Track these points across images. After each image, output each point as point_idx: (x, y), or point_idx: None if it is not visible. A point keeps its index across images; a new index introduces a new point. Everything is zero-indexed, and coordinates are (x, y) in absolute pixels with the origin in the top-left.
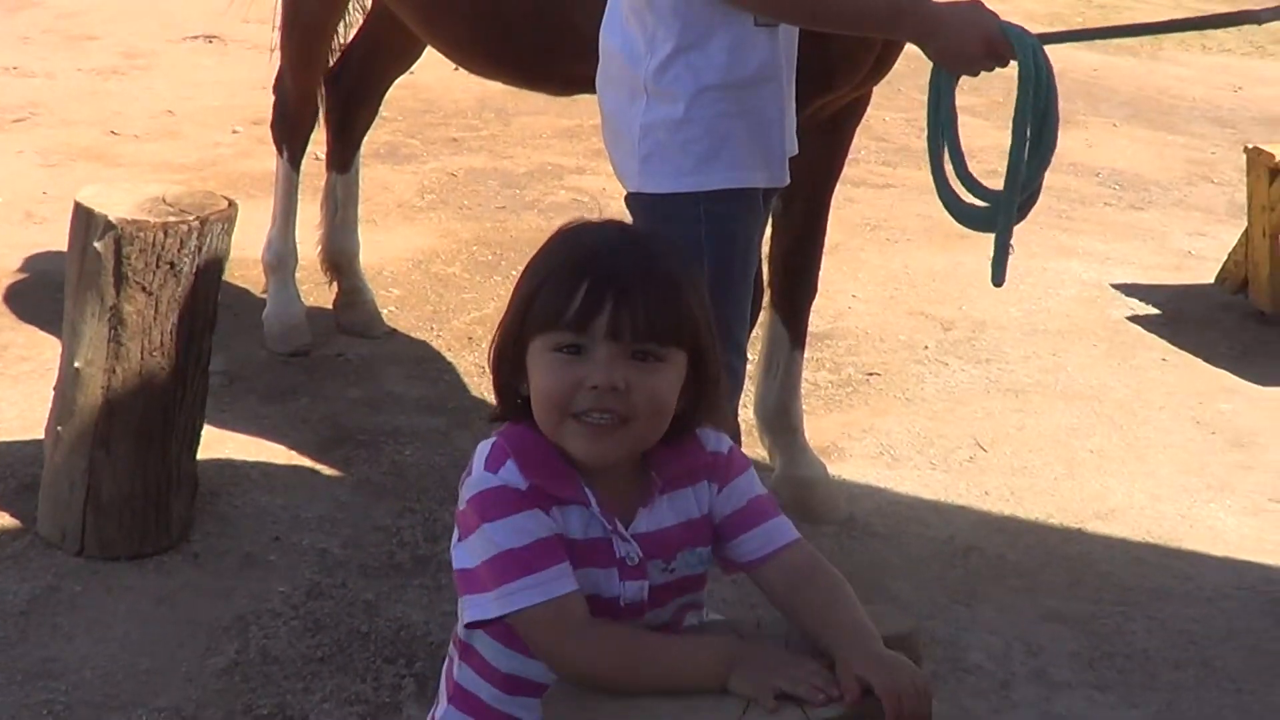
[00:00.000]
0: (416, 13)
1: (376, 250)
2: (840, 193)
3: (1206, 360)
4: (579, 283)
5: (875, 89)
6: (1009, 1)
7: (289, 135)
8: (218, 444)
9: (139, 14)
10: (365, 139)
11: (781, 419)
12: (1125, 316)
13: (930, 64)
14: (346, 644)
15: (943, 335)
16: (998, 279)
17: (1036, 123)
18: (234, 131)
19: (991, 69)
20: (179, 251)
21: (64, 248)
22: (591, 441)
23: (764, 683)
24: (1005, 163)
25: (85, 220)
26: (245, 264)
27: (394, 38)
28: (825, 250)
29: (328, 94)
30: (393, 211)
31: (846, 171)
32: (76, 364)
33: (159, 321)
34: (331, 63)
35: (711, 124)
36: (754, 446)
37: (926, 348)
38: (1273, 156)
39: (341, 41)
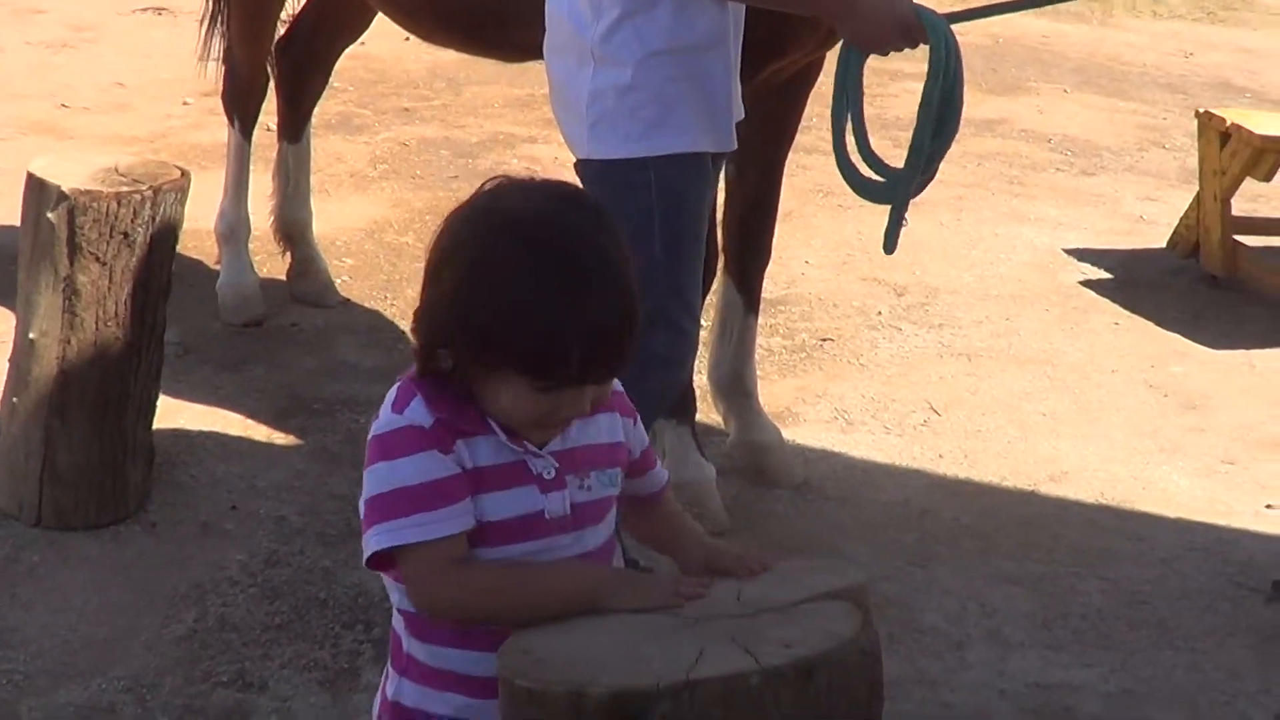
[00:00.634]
0: None
1: (329, 220)
2: (792, 159)
3: (1158, 324)
4: (572, 347)
5: (828, 55)
6: None
7: (240, 106)
8: (173, 414)
9: None
10: (316, 109)
11: (736, 384)
12: (1077, 281)
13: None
14: (304, 610)
15: (896, 301)
16: (889, 247)
17: (943, 106)
18: (184, 103)
19: (901, 50)
20: (132, 221)
21: (16, 221)
22: (545, 435)
23: (645, 596)
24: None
25: (38, 191)
26: (198, 235)
27: (343, 7)
28: (778, 216)
29: (278, 64)
30: (345, 181)
31: (799, 138)
32: (31, 335)
33: (113, 292)
34: (281, 33)
35: (659, 89)
36: (709, 412)
37: (880, 313)
38: (1223, 121)
39: (290, 11)
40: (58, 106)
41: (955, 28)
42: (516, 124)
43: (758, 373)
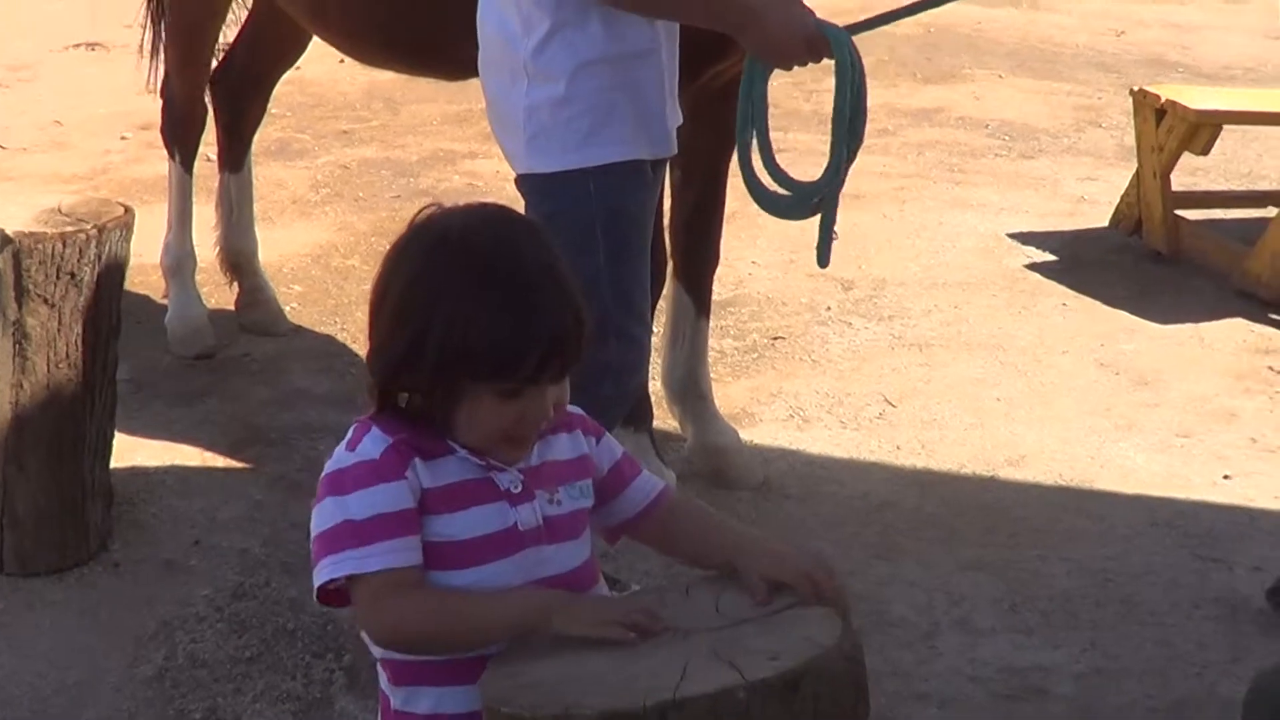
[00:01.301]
0: (305, 5)
1: (275, 247)
2: (734, 161)
3: (1106, 303)
4: (529, 349)
5: None
6: None
7: (179, 138)
8: (130, 452)
9: (19, 25)
10: (256, 136)
11: (690, 388)
12: (1023, 265)
13: None
14: (274, 642)
15: (844, 295)
16: (823, 261)
17: (852, 118)
18: (123, 138)
19: (805, 64)
20: (79, 261)
21: None
22: (518, 450)
23: (594, 619)
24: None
25: None
26: (144, 270)
27: (278, 33)
28: (724, 218)
29: (215, 94)
30: (288, 208)
31: None
32: None
33: (63, 333)
34: (216, 62)
35: (593, 100)
36: (665, 417)
37: (829, 309)
38: (1158, 97)
39: (225, 40)
40: None
41: (856, 37)
42: (456, 140)
43: (711, 375)
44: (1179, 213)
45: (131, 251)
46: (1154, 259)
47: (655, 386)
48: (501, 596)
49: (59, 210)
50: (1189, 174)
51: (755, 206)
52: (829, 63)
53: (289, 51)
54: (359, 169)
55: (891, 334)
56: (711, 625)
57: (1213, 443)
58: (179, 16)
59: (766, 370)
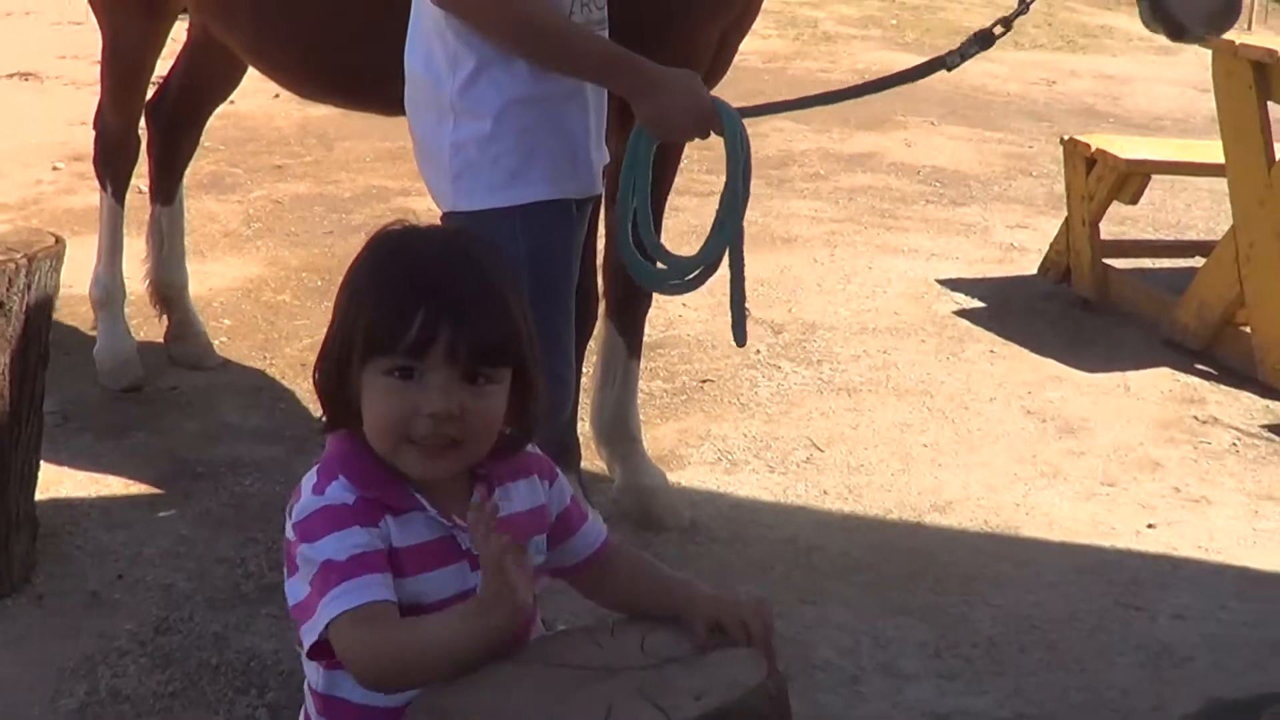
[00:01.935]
0: (244, 39)
1: (205, 281)
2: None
3: (1033, 350)
4: (414, 308)
5: None
6: (825, 7)
7: (112, 169)
8: (56, 484)
9: None
10: (188, 169)
11: (620, 429)
12: (952, 311)
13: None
14: (197, 677)
15: (774, 339)
16: (740, 339)
17: (733, 195)
18: (55, 168)
19: (692, 139)
20: (8, 291)
21: None
22: (427, 463)
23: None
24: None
25: None
26: (73, 301)
27: (212, 67)
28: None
29: (148, 126)
30: (220, 241)
31: None
32: None
33: None
34: (150, 94)
35: (519, 139)
36: (591, 458)
37: (758, 352)
38: (1088, 147)
39: (159, 73)
40: None
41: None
42: (389, 177)
43: (640, 417)
44: (1107, 261)
45: (61, 282)
46: (1082, 307)
47: (584, 428)
48: (452, 618)
49: None
50: (1118, 223)
51: (685, 248)
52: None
53: (223, 84)
54: (291, 204)
55: (820, 378)
56: (637, 664)
57: (1137, 491)
58: (114, 50)
59: (695, 413)
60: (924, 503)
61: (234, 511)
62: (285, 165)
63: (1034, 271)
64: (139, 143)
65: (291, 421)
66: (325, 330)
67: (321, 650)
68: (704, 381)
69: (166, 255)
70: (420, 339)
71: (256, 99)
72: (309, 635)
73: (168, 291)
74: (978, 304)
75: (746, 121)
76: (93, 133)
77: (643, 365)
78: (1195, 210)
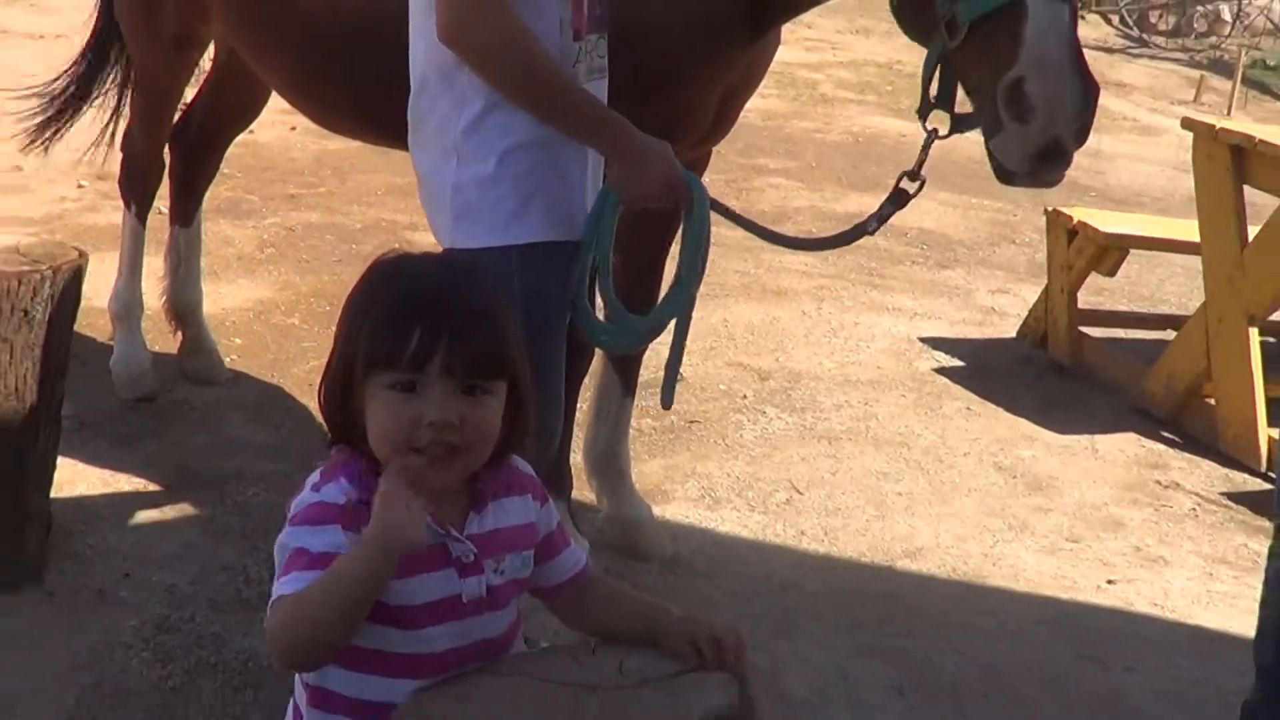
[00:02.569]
0: (276, 74)
1: (218, 301)
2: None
3: (1008, 409)
4: (411, 325)
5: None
6: (824, 70)
7: (136, 190)
8: (70, 486)
9: None
10: (207, 194)
11: (610, 462)
12: (932, 368)
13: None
14: (196, 674)
15: (760, 385)
16: (667, 401)
17: (690, 268)
18: (80, 186)
19: (658, 206)
20: (32, 300)
21: None
22: (430, 473)
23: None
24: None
25: None
26: (93, 313)
27: (235, 96)
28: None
29: (172, 150)
30: (233, 264)
31: None
32: None
33: (14, 367)
34: (175, 120)
35: (519, 182)
36: (582, 488)
37: (745, 397)
38: (1070, 218)
39: (185, 100)
40: None
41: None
42: (398, 211)
43: (630, 452)
44: (1083, 329)
45: (82, 295)
46: (1056, 371)
47: (577, 459)
48: (339, 565)
49: (17, 250)
50: (1095, 293)
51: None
52: None
53: (246, 112)
54: (304, 232)
55: (803, 425)
56: (614, 684)
57: (1099, 549)
58: (144, 78)
59: (682, 451)
60: (896, 548)
61: (238, 520)
62: (299, 195)
63: (1013, 335)
64: (163, 166)
65: (296, 438)
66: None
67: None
68: (692, 422)
69: (183, 275)
70: (419, 354)
71: (275, 130)
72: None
73: (183, 309)
74: (957, 363)
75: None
76: (120, 154)
77: (635, 403)
78: (1169, 285)
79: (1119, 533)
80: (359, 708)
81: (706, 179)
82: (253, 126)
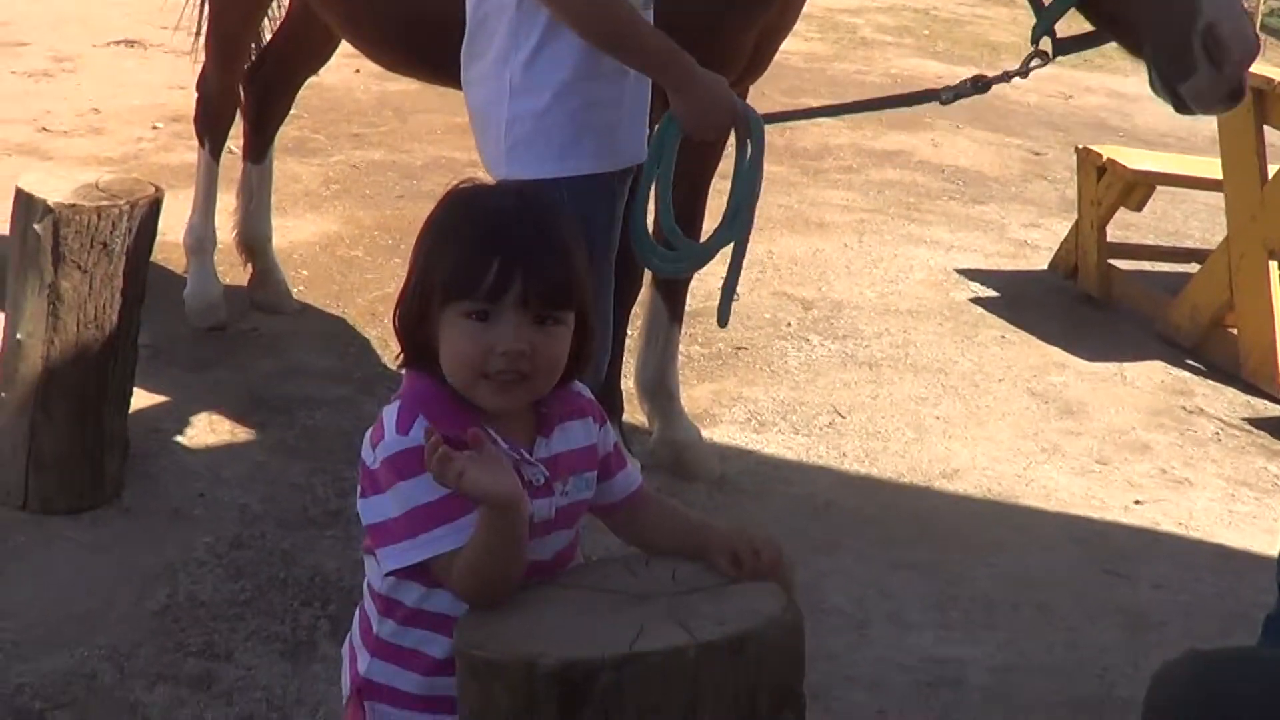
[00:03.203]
0: (339, 14)
1: (286, 235)
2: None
3: (1040, 338)
4: (490, 258)
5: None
6: (863, 15)
7: (211, 128)
8: (146, 410)
9: (66, 21)
10: (278, 133)
11: (660, 387)
12: (968, 298)
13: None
14: (266, 589)
15: (804, 314)
16: (722, 320)
17: (741, 207)
18: (154, 128)
19: (715, 138)
20: (111, 233)
21: (5, 231)
22: (500, 396)
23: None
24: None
25: (26, 205)
26: (168, 247)
27: (309, 40)
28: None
29: (246, 91)
30: (301, 200)
31: None
32: (19, 335)
33: (93, 297)
34: (250, 62)
35: (571, 115)
36: (634, 412)
37: (789, 325)
38: (1100, 156)
39: (260, 42)
40: (39, 130)
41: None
42: (457, 149)
43: (679, 377)
44: (1112, 262)
45: (158, 229)
46: (1086, 302)
47: (628, 384)
48: (479, 540)
49: (96, 186)
50: (1123, 228)
51: None
52: None
53: (317, 56)
54: (367, 169)
55: (845, 352)
56: (668, 591)
57: (1127, 471)
58: (220, 23)
59: (729, 377)
60: (934, 470)
61: (305, 443)
62: (363, 134)
63: (1044, 267)
64: (237, 105)
65: (360, 364)
66: (400, 280)
67: (408, 573)
68: (739, 349)
69: (254, 210)
70: (496, 286)
71: (340, 73)
72: (394, 560)
73: (253, 242)
74: (992, 293)
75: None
76: (195, 95)
77: (684, 330)
78: (1193, 221)
79: (1146, 456)
80: (427, 618)
81: None
82: (319, 70)
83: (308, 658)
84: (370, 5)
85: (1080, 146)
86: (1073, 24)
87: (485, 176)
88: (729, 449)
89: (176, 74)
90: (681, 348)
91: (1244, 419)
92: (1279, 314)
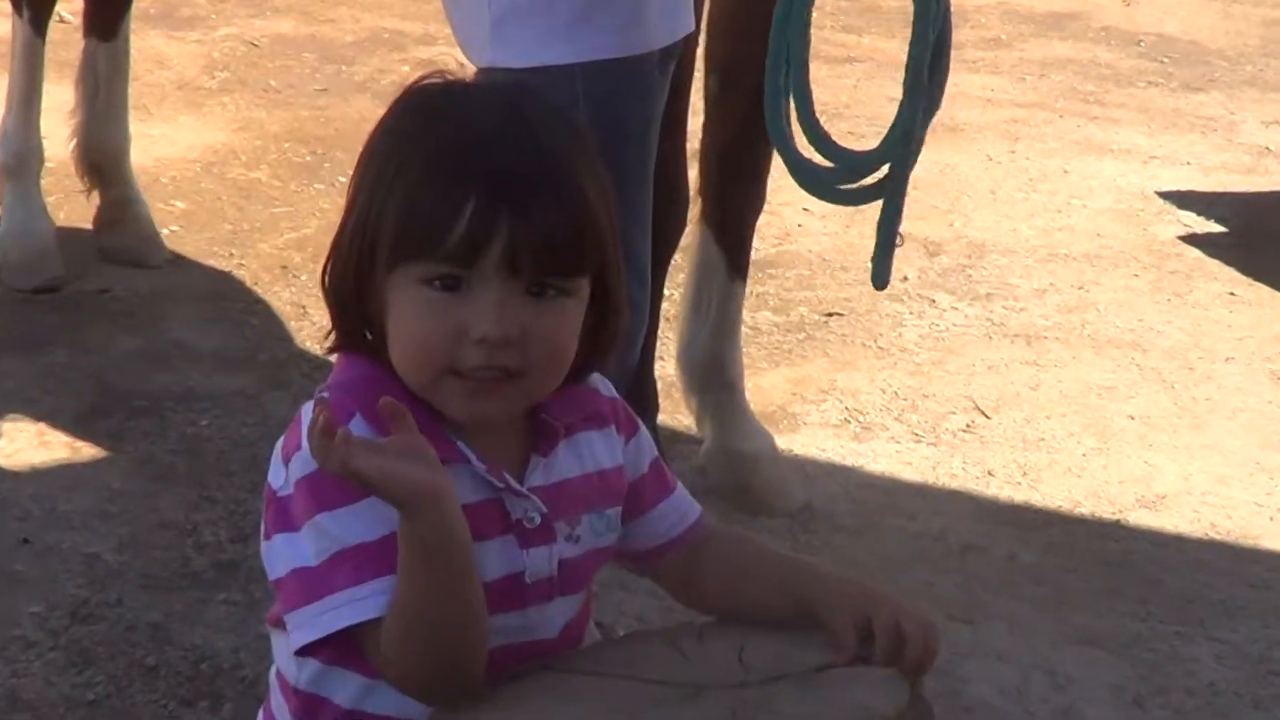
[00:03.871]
0: None
1: (152, 148)
2: None
3: None
4: (463, 195)
5: None
6: None
7: None
8: None
9: None
10: None
11: (714, 373)
12: (1178, 236)
13: None
14: (126, 683)
15: (928, 263)
16: (880, 280)
17: (933, 67)
18: None
19: None
20: None
21: None
22: (476, 401)
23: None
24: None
25: None
26: None
27: None
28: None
29: None
30: (172, 94)
31: None
32: None
33: None
34: None
35: None
36: (674, 410)
37: (905, 279)
38: None
39: None
40: None
41: None
42: (406, 18)
43: (743, 359)
44: None
45: None
46: None
47: (666, 368)
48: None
49: None
50: None
51: None
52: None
53: None
54: (271, 48)
55: (989, 319)
56: (732, 681)
57: None
58: None
59: (816, 357)
60: (1127, 496)
61: (184, 460)
62: None
63: None
64: None
65: (266, 342)
66: (327, 220)
67: (323, 646)
68: (829, 315)
69: (102, 110)
70: (471, 238)
71: None
72: (311, 630)
73: (101, 159)
74: (1214, 228)
75: None
76: None
77: (749, 290)
78: None
79: None
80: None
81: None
82: None
83: None
84: None
85: None
86: None
87: (441, 62)
88: (817, 465)
89: None
90: (746, 315)
91: None
92: None
